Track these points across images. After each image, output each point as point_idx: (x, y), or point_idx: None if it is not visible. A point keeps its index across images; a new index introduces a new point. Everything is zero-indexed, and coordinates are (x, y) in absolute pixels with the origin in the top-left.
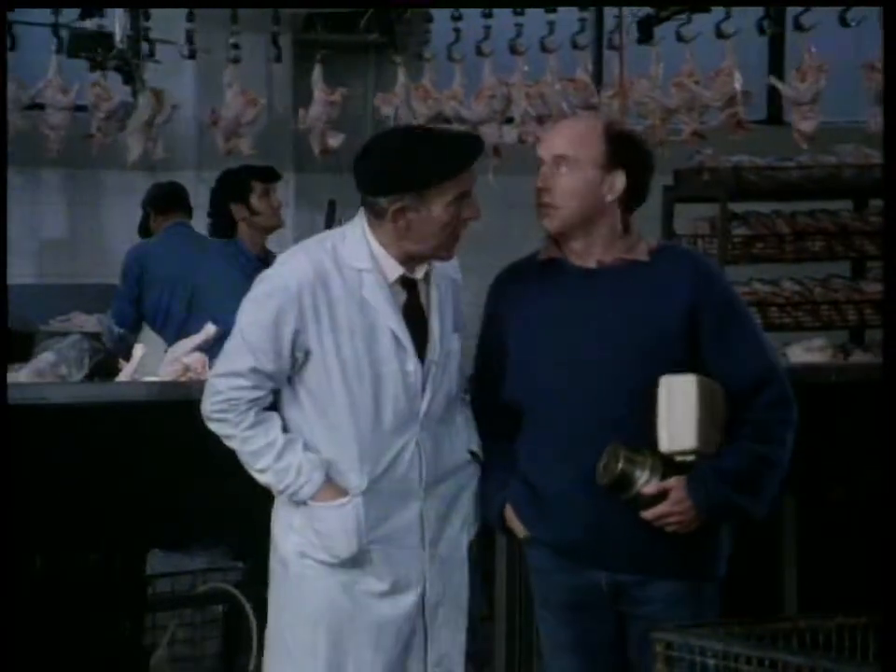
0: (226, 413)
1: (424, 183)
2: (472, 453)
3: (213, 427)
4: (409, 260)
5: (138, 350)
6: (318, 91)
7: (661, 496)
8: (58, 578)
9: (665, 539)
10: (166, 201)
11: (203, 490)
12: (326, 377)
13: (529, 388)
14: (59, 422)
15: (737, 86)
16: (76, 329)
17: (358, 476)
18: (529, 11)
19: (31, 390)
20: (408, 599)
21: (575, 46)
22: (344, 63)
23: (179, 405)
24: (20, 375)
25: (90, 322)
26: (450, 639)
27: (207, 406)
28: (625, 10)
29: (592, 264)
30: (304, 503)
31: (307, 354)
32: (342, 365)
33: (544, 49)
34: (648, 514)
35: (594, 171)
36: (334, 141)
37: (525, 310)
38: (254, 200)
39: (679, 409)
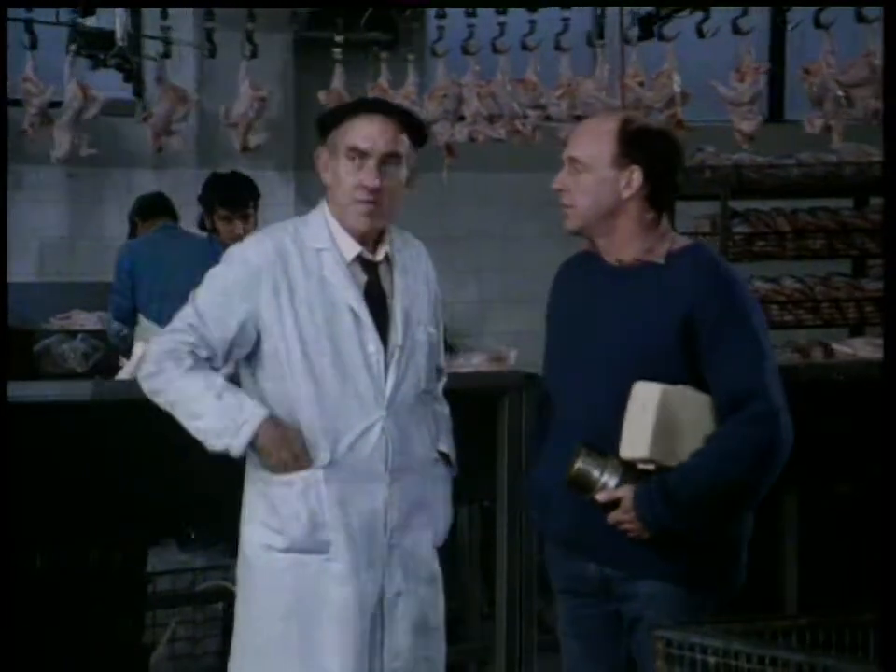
0: (162, 363)
1: (331, 120)
2: (442, 454)
3: (148, 385)
4: (359, 236)
5: (138, 348)
6: (245, 86)
7: (615, 502)
8: (58, 575)
9: (648, 539)
10: (150, 209)
11: (202, 488)
12: (286, 356)
13: (551, 383)
14: (59, 419)
15: (676, 88)
16: (76, 327)
17: (322, 451)
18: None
19: (31, 388)
20: (369, 587)
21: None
22: (347, 62)
23: None
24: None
25: (90, 320)
26: (408, 635)
27: (143, 368)
28: (616, 9)
29: (614, 262)
30: (250, 446)
31: (261, 332)
32: (302, 343)
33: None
34: (608, 518)
35: (606, 170)
36: (256, 139)
37: (563, 301)
38: (216, 219)
39: (638, 416)
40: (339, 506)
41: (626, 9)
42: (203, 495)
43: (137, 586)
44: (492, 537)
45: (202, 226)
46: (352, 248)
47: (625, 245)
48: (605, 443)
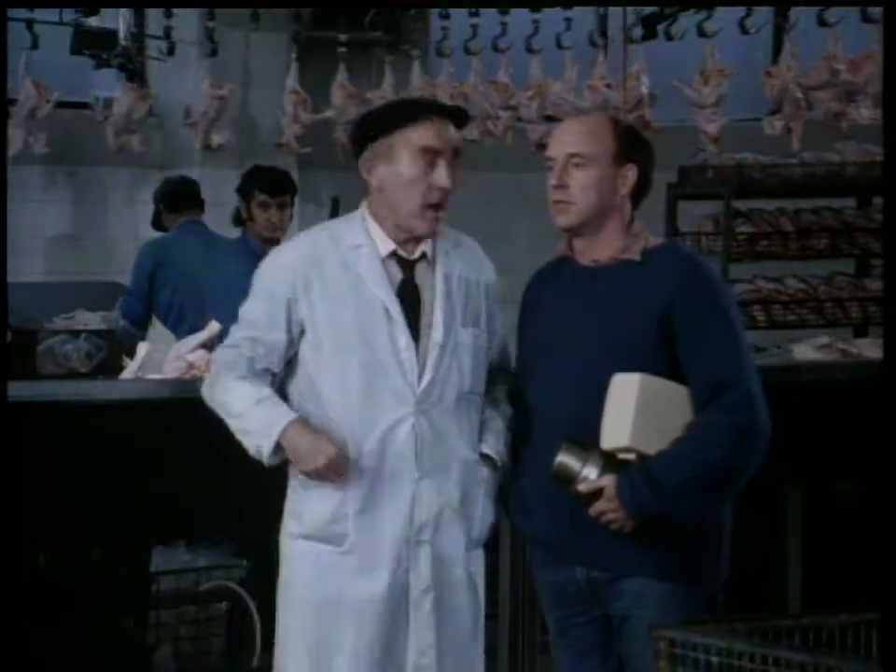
0: (220, 372)
1: (384, 125)
2: (485, 455)
3: (207, 395)
4: (399, 234)
5: (142, 348)
6: (205, 86)
7: (598, 493)
8: (62, 575)
9: (629, 536)
10: (177, 197)
11: (207, 488)
12: (317, 348)
13: (529, 385)
14: (62, 419)
15: (644, 90)
16: (79, 326)
17: (350, 445)
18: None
19: (35, 387)
20: (390, 581)
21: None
22: (353, 61)
23: (184, 403)
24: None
25: (93, 320)
26: (435, 632)
27: (206, 379)
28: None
29: (590, 262)
30: (278, 446)
31: (302, 327)
32: (334, 337)
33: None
34: (590, 510)
35: (607, 166)
36: (219, 138)
37: (536, 308)
38: (253, 206)
39: (617, 406)
40: (363, 500)
41: (629, 8)
42: (209, 495)
43: (141, 586)
44: (495, 535)
45: (236, 220)
46: (387, 245)
47: (606, 244)
48: (587, 438)
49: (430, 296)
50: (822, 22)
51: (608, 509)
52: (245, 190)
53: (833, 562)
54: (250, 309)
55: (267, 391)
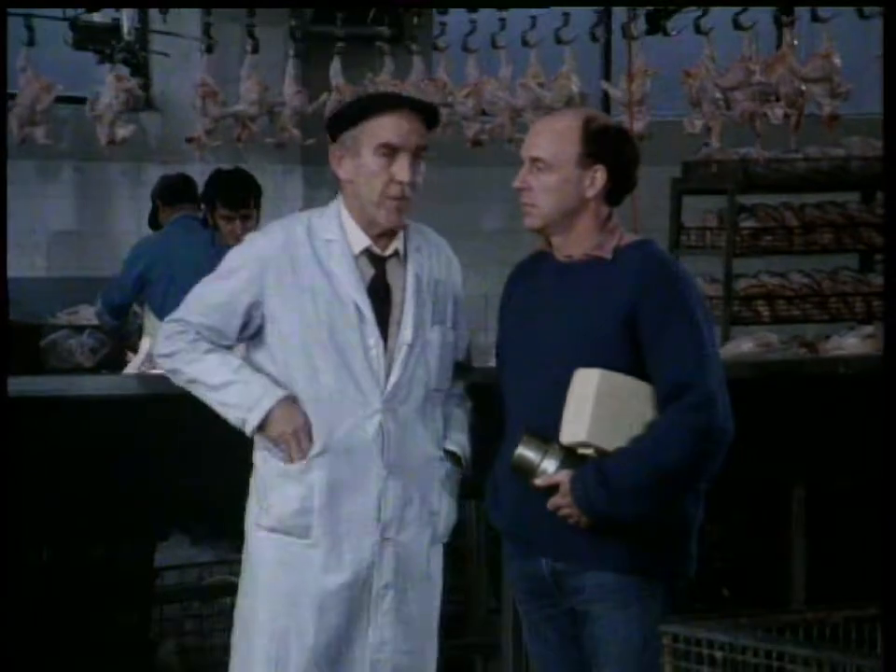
0: (176, 343)
1: (351, 119)
2: (450, 452)
3: (167, 364)
4: (370, 228)
5: (145, 343)
6: (111, 77)
7: (555, 487)
8: (65, 570)
9: (591, 529)
10: (174, 193)
11: (210, 482)
12: (286, 342)
13: (502, 379)
14: (66, 414)
15: (575, 88)
16: (83, 322)
17: (316, 439)
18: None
19: (38, 383)
20: (353, 577)
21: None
22: (356, 56)
23: (187, 397)
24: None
25: None
26: (393, 628)
27: (159, 348)
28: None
29: (564, 258)
30: (262, 425)
31: (264, 317)
32: (303, 332)
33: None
34: (547, 504)
35: (571, 170)
36: (124, 131)
37: (511, 301)
38: (216, 216)
39: (576, 401)
40: (329, 494)
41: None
42: (212, 489)
43: (144, 580)
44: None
45: (204, 222)
46: (360, 241)
47: (580, 241)
48: (547, 431)
49: (401, 294)
50: (738, 26)
51: (562, 504)
52: (206, 200)
53: (838, 559)
54: (210, 288)
55: (237, 360)
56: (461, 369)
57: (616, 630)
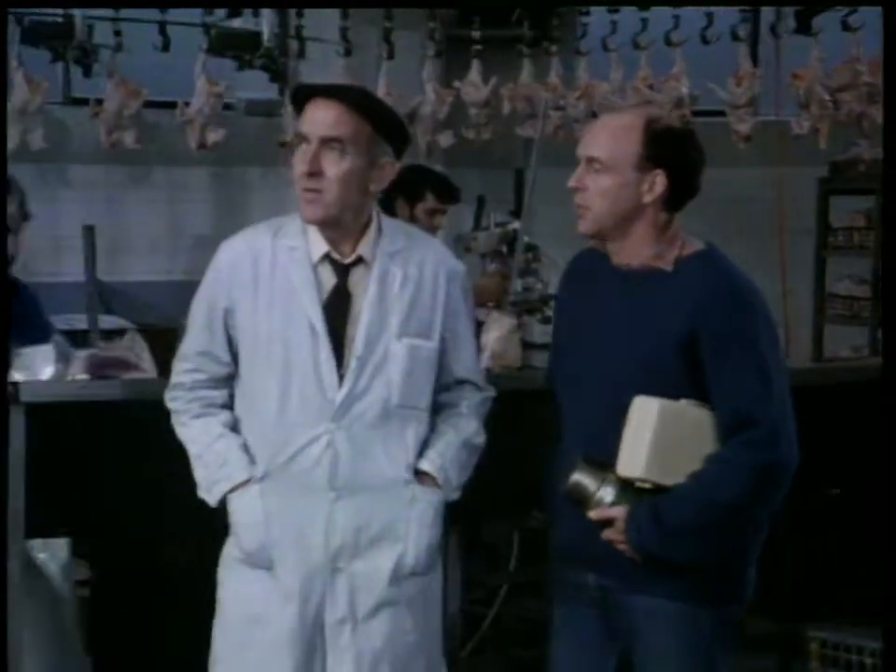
0: (176, 400)
1: (297, 111)
2: (421, 472)
3: (174, 421)
4: (324, 230)
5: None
6: (202, 82)
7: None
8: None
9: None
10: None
11: None
12: (245, 357)
13: (560, 385)
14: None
15: (684, 90)
16: None
17: (259, 462)
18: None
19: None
20: (300, 609)
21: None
22: (499, 58)
23: None
24: None
25: None
26: (354, 666)
27: (173, 404)
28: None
29: (621, 266)
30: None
31: (236, 328)
32: (255, 345)
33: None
34: (602, 535)
35: (629, 173)
36: (215, 136)
37: (568, 303)
38: (418, 210)
39: (635, 433)
40: (276, 521)
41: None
42: None
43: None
44: None
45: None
46: (320, 247)
47: (636, 249)
48: (605, 456)
49: (361, 304)
50: (846, 27)
51: (617, 540)
52: (412, 189)
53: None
54: (197, 308)
55: (218, 429)
56: (462, 386)
57: (666, 656)
